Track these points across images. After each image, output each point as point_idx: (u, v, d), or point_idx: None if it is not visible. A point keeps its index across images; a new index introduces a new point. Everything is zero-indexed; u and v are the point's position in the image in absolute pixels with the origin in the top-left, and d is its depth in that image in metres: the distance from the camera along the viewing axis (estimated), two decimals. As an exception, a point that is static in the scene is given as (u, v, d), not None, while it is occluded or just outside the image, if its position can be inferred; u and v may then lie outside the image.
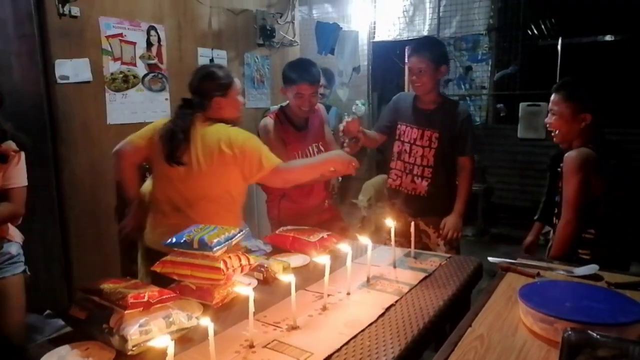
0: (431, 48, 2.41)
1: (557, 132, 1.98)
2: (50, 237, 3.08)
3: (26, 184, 1.95)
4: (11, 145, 1.88)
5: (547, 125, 2.02)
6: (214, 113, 1.99)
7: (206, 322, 1.10)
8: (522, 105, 4.82)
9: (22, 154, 1.93)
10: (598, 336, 1.03)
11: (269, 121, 2.46)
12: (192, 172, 1.91)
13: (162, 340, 1.01)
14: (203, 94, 1.99)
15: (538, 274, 1.60)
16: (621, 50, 4.45)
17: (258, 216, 3.68)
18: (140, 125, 3.63)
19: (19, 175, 1.92)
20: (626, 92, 4.31)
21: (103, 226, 3.27)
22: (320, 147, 2.52)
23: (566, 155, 1.90)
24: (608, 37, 4.72)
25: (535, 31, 5.12)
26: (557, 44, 4.62)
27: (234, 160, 1.89)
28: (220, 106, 2.00)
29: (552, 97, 1.98)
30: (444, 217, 2.45)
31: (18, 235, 2.06)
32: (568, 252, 1.86)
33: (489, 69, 5.54)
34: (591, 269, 1.61)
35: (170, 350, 0.99)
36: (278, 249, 2.06)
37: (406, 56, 2.46)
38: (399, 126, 2.53)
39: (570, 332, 1.05)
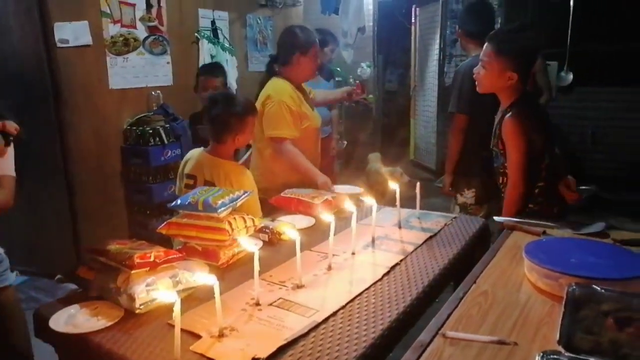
0: None
1: (481, 84, 1.92)
2: (58, 203, 3.11)
3: (14, 175, 1.74)
4: (12, 125, 1.68)
5: (474, 75, 1.95)
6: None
7: (212, 280, 1.10)
8: (531, 64, 4.70)
9: (11, 145, 1.71)
10: (602, 290, 1.03)
11: None
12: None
13: (169, 295, 1.02)
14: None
15: (544, 232, 1.59)
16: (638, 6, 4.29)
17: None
18: (143, 89, 3.64)
19: (6, 163, 1.71)
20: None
21: (109, 190, 3.29)
22: None
23: (505, 121, 1.85)
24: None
25: (547, -14, 4.94)
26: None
27: (261, 115, 2.29)
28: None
29: (485, 46, 1.88)
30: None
31: None
32: (519, 212, 1.85)
33: (499, 26, 5.37)
34: (598, 226, 1.60)
35: (177, 307, 1.00)
36: (283, 212, 2.07)
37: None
38: None
39: (574, 287, 1.05)
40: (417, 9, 5.85)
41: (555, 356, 0.84)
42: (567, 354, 0.86)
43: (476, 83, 1.95)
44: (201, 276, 1.33)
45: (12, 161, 1.73)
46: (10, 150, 1.72)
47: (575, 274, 1.13)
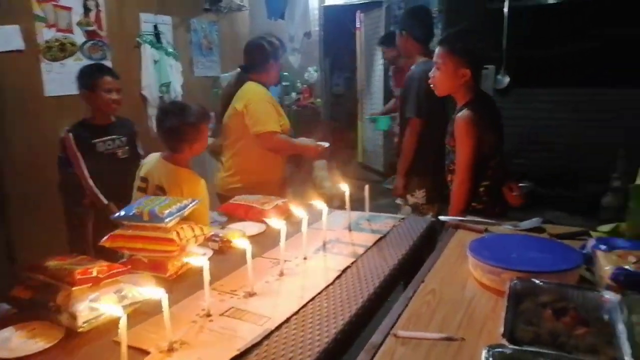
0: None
1: (437, 86, 1.99)
2: (-10, 219, 2.91)
3: None
4: None
5: (430, 80, 2.02)
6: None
7: (160, 292, 1.07)
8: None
9: None
10: (541, 283, 1.09)
11: None
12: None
13: (114, 309, 0.98)
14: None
15: (486, 230, 1.66)
16: (566, 13, 4.56)
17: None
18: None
19: None
20: (570, 56, 4.44)
21: (47, 204, 3.11)
22: None
23: (457, 118, 1.93)
24: (552, 0, 4.81)
25: (485, -7, 5.15)
26: (503, 7, 4.68)
27: (243, 116, 2.41)
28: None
29: (437, 49, 1.97)
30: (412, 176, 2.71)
31: None
32: (464, 209, 1.93)
33: (439, 32, 5.57)
34: (535, 222, 1.68)
35: (123, 322, 0.96)
36: (232, 219, 2.04)
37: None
38: None
39: (516, 282, 1.10)
40: (362, 14, 5.96)
41: (500, 349, 0.87)
42: (510, 346, 0.89)
43: (432, 87, 2.01)
44: (148, 289, 1.29)
45: None
46: None
47: (516, 269, 1.18)
